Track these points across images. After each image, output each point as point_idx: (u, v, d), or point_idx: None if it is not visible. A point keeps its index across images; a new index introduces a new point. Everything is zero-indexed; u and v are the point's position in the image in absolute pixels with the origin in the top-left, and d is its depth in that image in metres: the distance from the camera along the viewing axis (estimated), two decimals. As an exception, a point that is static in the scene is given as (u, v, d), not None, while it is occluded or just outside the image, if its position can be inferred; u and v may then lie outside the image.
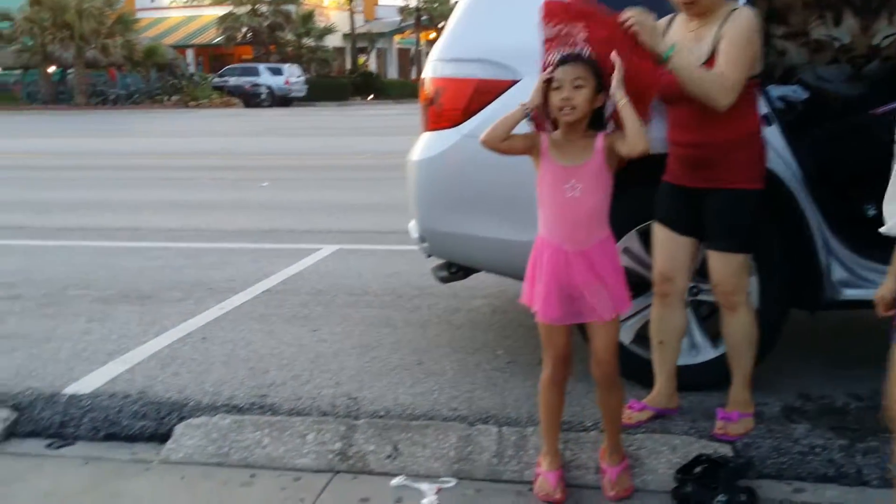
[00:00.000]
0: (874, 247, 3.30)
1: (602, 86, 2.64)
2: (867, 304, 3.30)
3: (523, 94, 3.31)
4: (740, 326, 3.01)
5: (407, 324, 4.47)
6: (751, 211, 2.93)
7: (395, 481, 2.93)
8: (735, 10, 2.85)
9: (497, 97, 3.39)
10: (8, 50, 37.18)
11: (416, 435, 3.16)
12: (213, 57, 46.02)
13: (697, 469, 2.81)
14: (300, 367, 3.85)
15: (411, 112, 25.51)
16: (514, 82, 3.36)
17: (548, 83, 2.65)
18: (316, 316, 4.64)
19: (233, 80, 37.91)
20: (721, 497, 2.66)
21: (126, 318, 4.65)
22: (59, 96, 37.68)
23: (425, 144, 3.59)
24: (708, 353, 3.37)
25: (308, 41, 45.14)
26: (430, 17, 51.23)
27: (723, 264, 2.95)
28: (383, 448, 3.11)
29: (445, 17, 50.10)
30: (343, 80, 45.42)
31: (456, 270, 3.84)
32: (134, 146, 17.19)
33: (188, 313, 4.70)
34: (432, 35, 52.71)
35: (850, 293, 3.25)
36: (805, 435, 3.02)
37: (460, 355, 3.96)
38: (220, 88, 37.53)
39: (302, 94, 38.98)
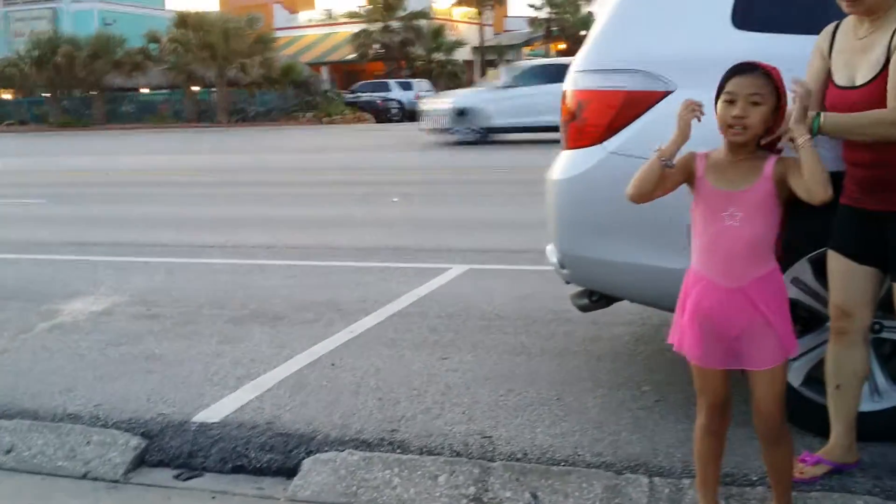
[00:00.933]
0: None
1: (780, 105, 2.32)
2: None
3: (676, 107, 3.05)
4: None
5: (543, 352, 4.20)
6: None
7: (534, 534, 2.68)
8: None
9: (647, 110, 3.10)
10: (155, 70, 39.20)
11: (556, 482, 2.89)
12: (347, 73, 47.08)
13: (886, 538, 2.43)
14: (431, 399, 3.65)
15: (548, 124, 24.96)
16: (667, 93, 3.07)
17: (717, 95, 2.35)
18: (446, 342, 4.43)
19: (365, 96, 38.61)
20: (919, 576, 2.27)
21: (257, 340, 4.58)
22: (202, 114, 39.37)
23: (566, 163, 3.33)
24: (892, 398, 2.96)
25: (438, 55, 45.55)
26: (560, 28, 50.82)
27: (911, 300, 2.55)
28: (521, 495, 2.86)
29: (576, 27, 49.96)
30: (472, 93, 45.51)
31: (598, 299, 3.55)
32: (270, 162, 17.65)
33: (318, 336, 4.58)
34: (561, 46, 52.34)
35: None
36: None
37: (602, 391, 3.66)
38: (352, 104, 38.29)
39: (432, 108, 39.30)
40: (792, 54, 2.64)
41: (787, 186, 2.30)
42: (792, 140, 2.31)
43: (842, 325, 2.68)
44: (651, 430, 3.24)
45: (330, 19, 52.58)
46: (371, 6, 45.16)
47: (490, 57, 49.99)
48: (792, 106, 2.33)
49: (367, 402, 3.64)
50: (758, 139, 2.33)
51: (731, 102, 2.30)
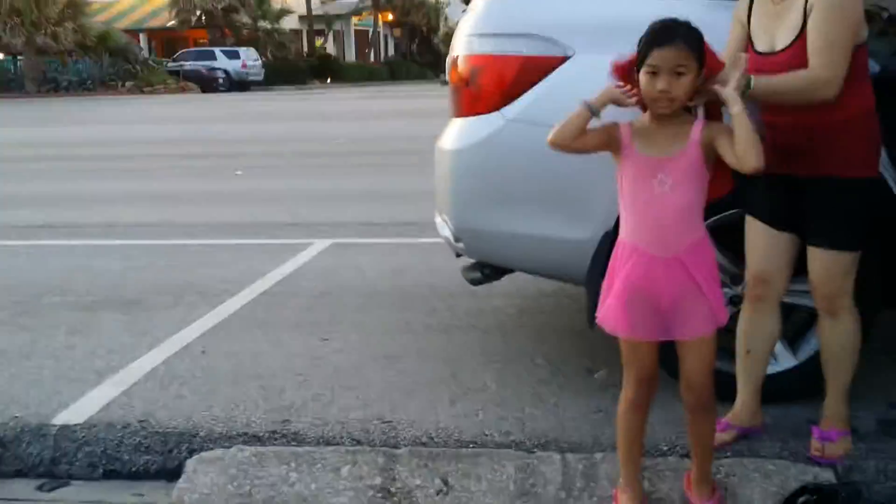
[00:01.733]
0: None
1: (702, 66, 2.24)
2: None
3: (576, 73, 2.97)
4: (842, 334, 2.64)
5: (428, 329, 4.06)
6: (864, 202, 2.54)
7: (452, 522, 2.54)
8: None
9: (546, 76, 2.98)
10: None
11: (467, 466, 2.76)
12: (167, 41, 44.86)
13: (801, 500, 2.46)
14: (319, 384, 3.42)
15: (374, 95, 25.49)
16: (566, 58, 2.97)
17: (633, 65, 2.26)
18: (325, 322, 4.20)
19: (188, 65, 36.98)
20: (839, 536, 2.31)
21: (112, 329, 4.17)
22: (9, 84, 36.37)
23: (461, 131, 3.17)
24: (788, 361, 3.02)
25: (264, 24, 44.19)
26: (388, -2, 50.54)
27: (828, 264, 2.57)
28: (431, 482, 2.71)
29: (403, -2, 49.77)
30: (300, 63, 44.56)
31: (490, 272, 3.43)
32: (92, 135, 16.46)
33: (181, 321, 4.23)
34: (390, 16, 52.08)
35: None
36: (913, 456, 2.68)
37: (497, 366, 3.55)
38: (175, 73, 36.55)
39: (259, 77, 38.23)
40: (690, 17, 2.56)
41: (714, 152, 2.25)
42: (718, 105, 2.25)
43: (759, 293, 2.69)
44: (554, 404, 3.17)
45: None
46: (190, -29, 43.12)
47: (318, 26, 49.02)
48: (725, 72, 2.28)
49: (250, 391, 3.37)
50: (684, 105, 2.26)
51: (654, 74, 2.21)
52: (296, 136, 14.74)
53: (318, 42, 49.53)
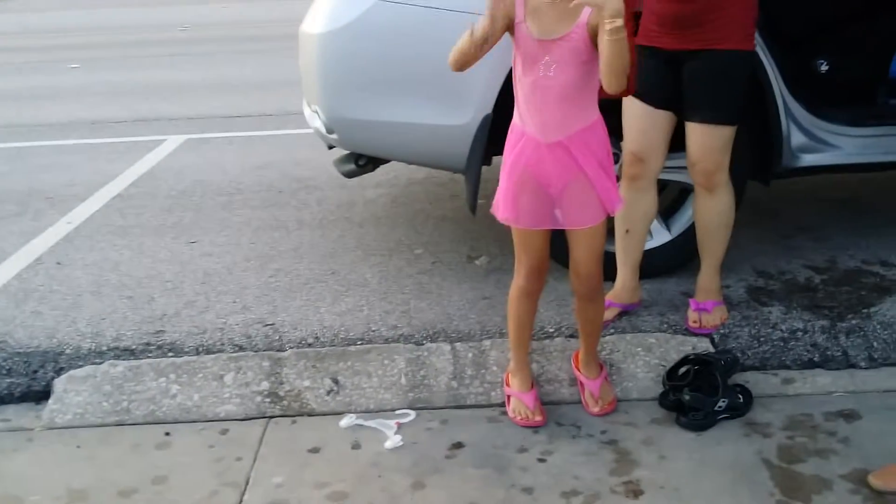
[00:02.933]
0: (831, 106, 3.09)
1: None
2: (821, 171, 3.13)
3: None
4: (719, 208, 2.70)
5: (301, 225, 3.91)
6: (743, 75, 2.56)
7: (345, 422, 2.50)
8: None
9: (418, -49, 2.81)
10: None
11: (356, 363, 2.71)
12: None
13: (683, 371, 2.55)
14: (191, 290, 3.25)
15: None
16: (438, -67, 2.80)
17: None
18: (188, 223, 3.98)
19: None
20: (721, 402, 2.41)
21: (-50, 245, 3.82)
22: None
23: (328, 13, 2.97)
24: (662, 237, 3.08)
25: None
26: None
27: (707, 139, 2.59)
28: (321, 383, 2.65)
29: None
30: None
31: (365, 163, 3.31)
32: None
33: (29, 232, 3.91)
34: None
35: (810, 159, 3.02)
36: (782, 319, 2.82)
37: (376, 259, 3.48)
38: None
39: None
40: None
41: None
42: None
43: (636, 171, 2.69)
44: (437, 294, 3.14)
45: None
46: None
47: None
48: None
49: (116, 302, 3.16)
50: None
51: None
52: (134, 22, 13.69)
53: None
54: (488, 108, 2.87)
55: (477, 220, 3.68)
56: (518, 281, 2.42)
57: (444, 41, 2.84)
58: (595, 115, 2.21)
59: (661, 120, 2.64)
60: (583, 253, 2.32)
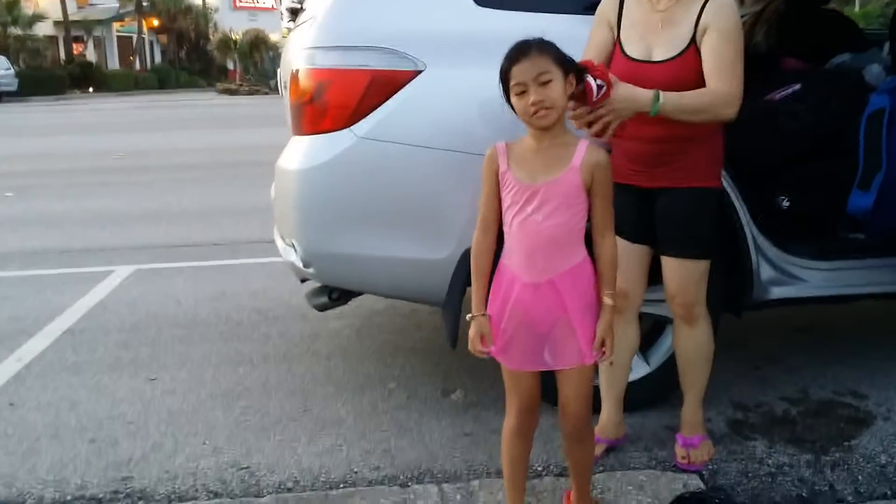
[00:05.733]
0: (797, 241, 3.20)
1: (569, 68, 2.20)
2: (789, 303, 3.21)
3: (428, 88, 2.88)
4: (700, 340, 2.73)
5: (265, 359, 3.81)
6: (713, 211, 2.64)
7: (333, 572, 2.36)
8: None
9: (397, 91, 2.87)
10: None
11: (341, 508, 2.59)
12: None
13: (679, 510, 2.51)
14: (156, 431, 3.10)
15: (143, 105, 24.01)
16: (417, 73, 2.87)
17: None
18: (146, 359, 3.84)
19: (-73, 75, 33.34)
20: (720, 541, 2.37)
21: None
22: None
23: (307, 150, 2.97)
24: (641, 368, 3.09)
25: (14, 30, 40.67)
26: (151, 3, 48.12)
27: (683, 273, 2.64)
28: (305, 530, 2.52)
29: (168, 3, 47.54)
30: (58, 71, 41.44)
31: (338, 296, 3.27)
32: None
33: (-25, 371, 3.71)
34: (155, 22, 49.62)
35: (778, 292, 3.10)
36: (767, 453, 2.83)
37: (348, 395, 3.39)
38: (-88, 84, 32.85)
39: (12, 88, 35.13)
40: (550, 32, 2.54)
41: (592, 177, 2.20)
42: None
43: (619, 305, 2.70)
44: (418, 431, 3.06)
45: None
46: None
47: (76, 32, 45.82)
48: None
49: (77, 446, 2.99)
50: (562, 116, 2.21)
51: (523, 93, 2.16)
52: (65, 151, 13.59)
53: (77, 50, 46.33)
54: (467, 243, 2.87)
55: (446, 352, 3.66)
56: (510, 422, 2.37)
57: (425, 176, 2.92)
58: (582, 253, 2.23)
59: (638, 254, 2.70)
60: (569, 392, 2.29)
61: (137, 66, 49.24)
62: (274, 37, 45.43)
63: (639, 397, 3.06)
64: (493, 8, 2.94)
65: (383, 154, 2.89)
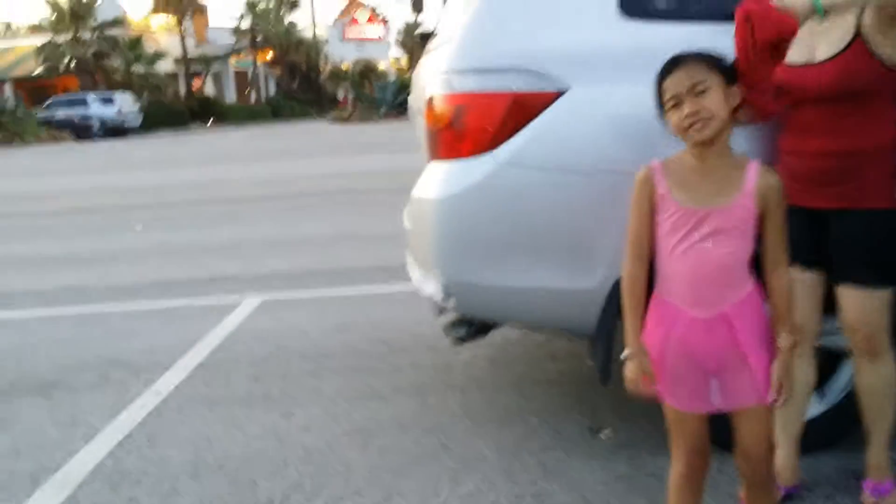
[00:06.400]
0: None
1: (733, 77, 2.00)
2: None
3: (572, 109, 2.71)
4: (884, 374, 2.45)
5: (397, 391, 3.69)
6: (892, 235, 2.37)
7: None
8: None
9: (541, 113, 2.71)
10: None
11: (493, 557, 2.42)
12: (35, 89, 42.58)
13: (872, 566, 2.23)
14: (294, 470, 3.01)
15: (259, 135, 24.82)
16: (560, 94, 2.70)
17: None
18: (279, 394, 3.77)
19: (60, 113, 35.24)
20: None
21: (34, 419, 3.63)
22: None
23: (445, 177, 2.84)
24: (815, 408, 2.81)
25: (138, 68, 42.73)
26: (265, 38, 49.80)
27: (862, 302, 2.38)
28: (455, 581, 2.35)
29: (280, 37, 49.14)
30: (179, 106, 43.31)
31: (478, 328, 3.12)
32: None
33: (115, 404, 3.72)
34: (269, 56, 51.31)
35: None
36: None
37: (487, 430, 3.23)
38: (47, 123, 34.77)
39: (136, 123, 36.86)
40: (687, 44, 2.34)
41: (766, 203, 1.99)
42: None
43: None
44: (565, 472, 2.86)
45: (8, 33, 47.55)
46: (55, 17, 41.31)
47: (196, 69, 47.81)
48: None
49: (218, 487, 2.92)
50: (730, 126, 2.00)
51: (678, 105, 1.96)
52: (190, 182, 14.06)
53: (197, 84, 48.30)
54: (618, 271, 2.68)
55: (586, 386, 3.48)
56: (678, 467, 2.15)
57: (571, 201, 2.73)
58: (751, 282, 2.01)
59: (812, 282, 2.45)
60: (747, 434, 2.07)
61: (253, 98, 50.96)
62: (381, 65, 46.24)
63: (813, 438, 2.78)
64: (643, 20, 2.75)
65: (526, 180, 2.73)
